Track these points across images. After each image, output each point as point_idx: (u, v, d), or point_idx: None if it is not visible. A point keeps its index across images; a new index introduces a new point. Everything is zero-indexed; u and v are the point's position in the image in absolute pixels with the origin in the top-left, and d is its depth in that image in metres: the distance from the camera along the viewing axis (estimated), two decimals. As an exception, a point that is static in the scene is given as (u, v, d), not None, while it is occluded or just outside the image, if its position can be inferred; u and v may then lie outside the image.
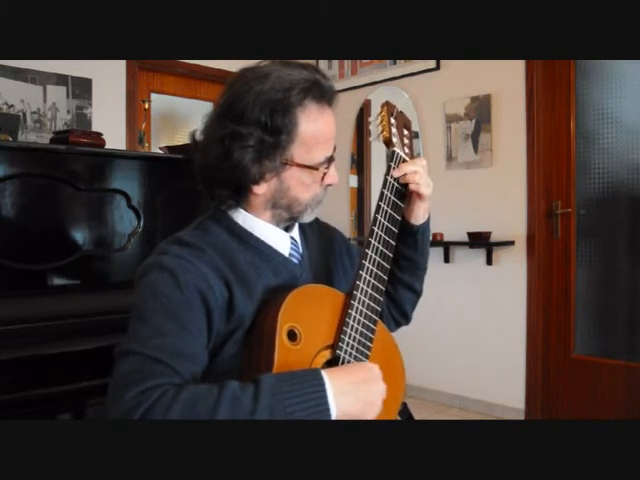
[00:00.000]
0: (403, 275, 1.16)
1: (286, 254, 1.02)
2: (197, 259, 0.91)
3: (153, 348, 0.83)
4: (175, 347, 0.84)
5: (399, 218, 1.06)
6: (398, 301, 1.18)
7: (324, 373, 0.84)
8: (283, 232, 1.03)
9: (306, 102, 0.93)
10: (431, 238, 3.34)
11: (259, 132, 0.91)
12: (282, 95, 0.91)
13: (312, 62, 1.00)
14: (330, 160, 0.99)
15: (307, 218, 1.03)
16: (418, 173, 1.05)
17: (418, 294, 1.21)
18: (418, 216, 1.10)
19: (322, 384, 0.82)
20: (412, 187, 1.05)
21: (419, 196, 1.07)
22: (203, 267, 0.90)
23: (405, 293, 1.18)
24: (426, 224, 1.13)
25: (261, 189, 0.96)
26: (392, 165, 1.05)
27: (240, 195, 0.99)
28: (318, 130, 0.95)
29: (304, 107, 0.93)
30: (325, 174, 0.98)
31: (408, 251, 1.14)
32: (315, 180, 0.98)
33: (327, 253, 1.14)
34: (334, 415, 0.82)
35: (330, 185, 1.01)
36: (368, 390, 0.88)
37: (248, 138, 0.91)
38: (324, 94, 0.96)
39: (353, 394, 0.85)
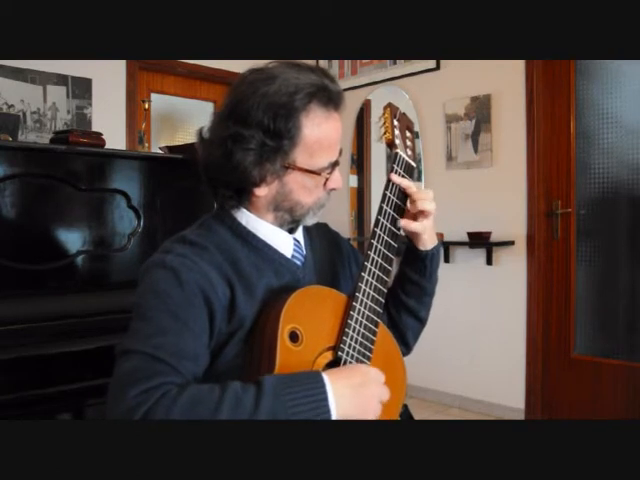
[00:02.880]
0: (409, 300, 1.13)
1: (289, 255, 1.02)
2: (200, 258, 0.91)
3: (154, 347, 0.83)
4: (176, 346, 0.84)
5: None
6: (401, 328, 1.14)
7: (325, 375, 0.84)
8: (286, 233, 1.02)
9: (311, 106, 0.93)
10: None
11: (261, 135, 0.91)
12: (287, 99, 0.91)
13: (312, 62, 1.00)
14: (334, 165, 0.98)
15: (310, 221, 1.03)
16: (431, 213, 1.03)
17: (422, 322, 1.17)
18: (425, 242, 1.07)
19: (323, 386, 0.82)
20: (413, 227, 1.03)
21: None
22: (206, 266, 0.90)
23: (409, 320, 1.14)
24: (436, 249, 1.10)
25: (263, 191, 0.96)
26: (395, 167, 1.05)
27: (242, 196, 0.99)
28: (322, 135, 0.94)
29: (309, 111, 0.93)
30: (328, 179, 0.98)
31: (415, 276, 1.11)
32: (318, 184, 0.98)
33: (333, 257, 1.13)
34: (334, 417, 0.82)
35: (334, 189, 1.01)
36: (366, 393, 0.88)
37: (250, 141, 0.91)
38: (330, 99, 0.95)
39: (352, 397, 0.85)
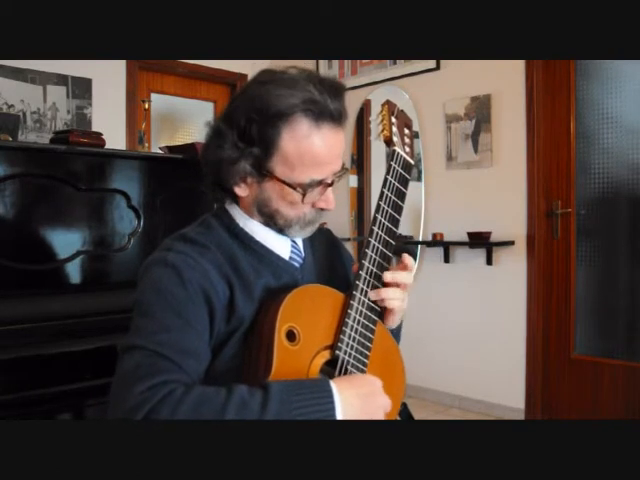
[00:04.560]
0: None
1: (286, 257, 1.02)
2: (201, 256, 0.91)
3: (158, 343, 0.82)
4: (180, 343, 0.84)
5: (399, 218, 1.05)
6: None
7: (333, 384, 0.84)
8: (283, 236, 1.01)
9: (295, 118, 0.89)
10: (431, 238, 3.34)
11: (235, 137, 0.91)
12: (267, 105, 0.89)
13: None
14: (320, 184, 0.93)
15: (296, 235, 1.00)
16: (398, 299, 1.00)
17: None
18: (392, 323, 1.05)
19: (331, 395, 0.82)
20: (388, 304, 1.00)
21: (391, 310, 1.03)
22: (206, 265, 0.90)
23: None
24: (397, 330, 1.09)
25: (242, 192, 0.96)
26: (392, 164, 1.05)
27: (226, 193, 0.99)
28: (305, 150, 0.90)
29: (291, 123, 0.89)
30: (305, 195, 0.92)
31: None
32: (298, 199, 0.93)
33: (334, 260, 1.13)
34: None
35: (325, 210, 0.98)
36: (373, 404, 0.88)
37: (225, 140, 0.91)
38: (322, 114, 0.90)
39: (359, 407, 0.85)
